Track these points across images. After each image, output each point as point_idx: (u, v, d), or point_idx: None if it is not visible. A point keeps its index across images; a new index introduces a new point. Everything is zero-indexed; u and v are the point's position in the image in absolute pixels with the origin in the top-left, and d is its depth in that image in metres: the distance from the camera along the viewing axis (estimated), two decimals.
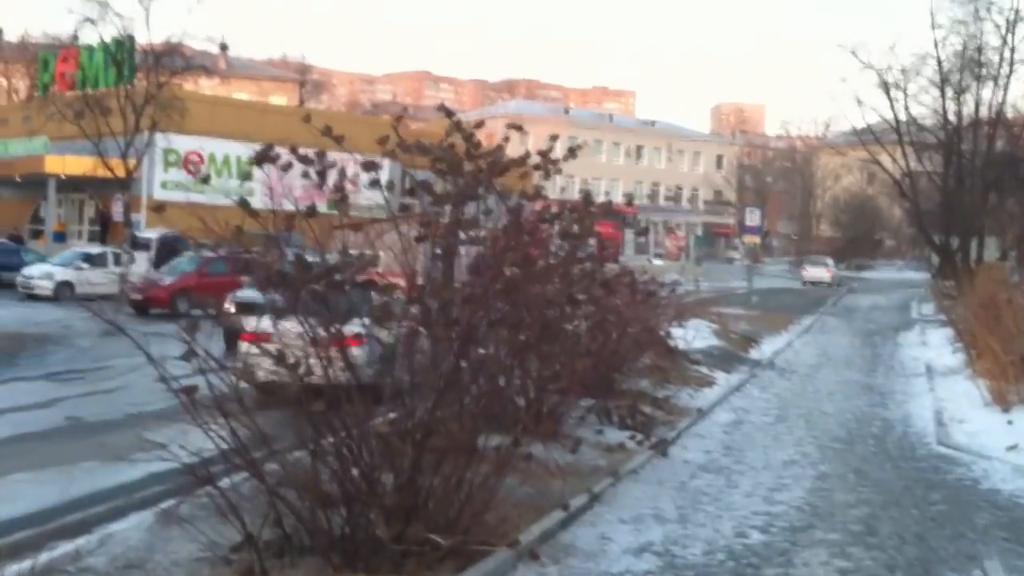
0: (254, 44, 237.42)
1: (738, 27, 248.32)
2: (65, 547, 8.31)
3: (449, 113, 8.88)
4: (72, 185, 51.73)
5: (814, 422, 17.18)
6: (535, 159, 8.95)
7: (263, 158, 7.45)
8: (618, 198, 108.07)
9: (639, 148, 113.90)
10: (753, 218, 48.23)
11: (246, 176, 7.63)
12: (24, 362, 21.62)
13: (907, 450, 15.15)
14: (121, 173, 42.91)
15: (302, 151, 7.57)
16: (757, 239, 54.45)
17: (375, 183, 7.93)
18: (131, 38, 46.74)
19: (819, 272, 65.85)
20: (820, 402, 19.52)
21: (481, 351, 8.35)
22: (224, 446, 7.30)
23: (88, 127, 42.38)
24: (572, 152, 9.86)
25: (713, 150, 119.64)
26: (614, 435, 13.95)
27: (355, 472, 7.54)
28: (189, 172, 47.10)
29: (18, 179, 53.52)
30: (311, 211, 7.58)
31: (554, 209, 9.98)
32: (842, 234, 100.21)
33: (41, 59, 54.34)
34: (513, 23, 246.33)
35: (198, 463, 7.22)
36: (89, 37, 48.55)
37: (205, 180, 34.42)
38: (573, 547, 9.15)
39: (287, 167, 7.50)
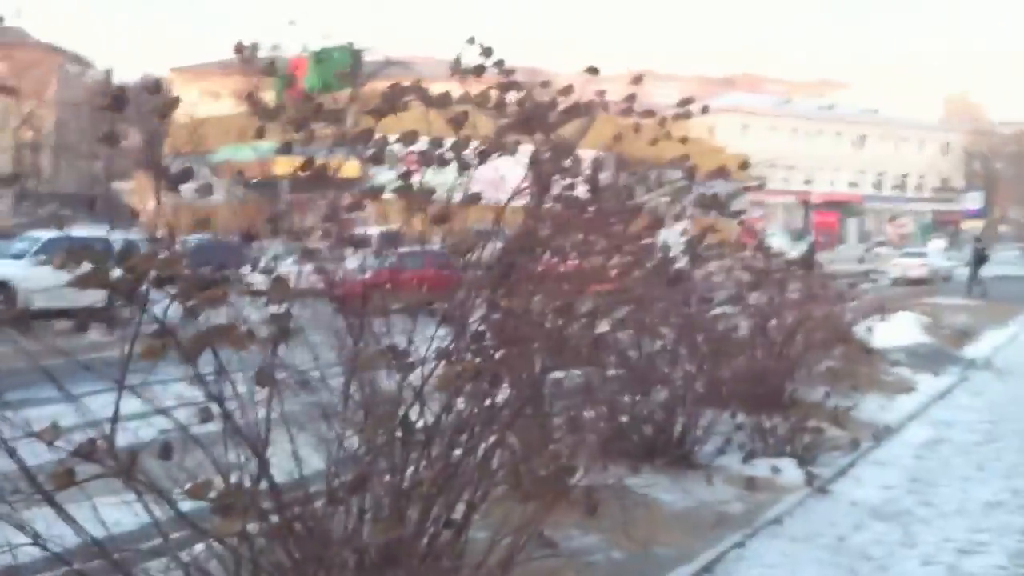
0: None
1: (960, 11, 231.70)
2: None
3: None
4: (303, 187, 52.69)
5: None
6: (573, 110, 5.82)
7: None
8: (841, 187, 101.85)
9: (862, 137, 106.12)
10: (974, 202, 42.49)
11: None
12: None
13: None
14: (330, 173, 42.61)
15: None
16: (980, 223, 48.45)
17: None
18: (355, 47, 46.52)
19: None
20: None
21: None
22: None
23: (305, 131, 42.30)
24: (683, 105, 6.61)
25: (939, 138, 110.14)
26: (765, 464, 10.45)
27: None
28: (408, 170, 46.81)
29: (251, 182, 55.66)
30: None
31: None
32: None
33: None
34: (737, 19, 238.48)
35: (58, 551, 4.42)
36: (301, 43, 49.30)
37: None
38: None
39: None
